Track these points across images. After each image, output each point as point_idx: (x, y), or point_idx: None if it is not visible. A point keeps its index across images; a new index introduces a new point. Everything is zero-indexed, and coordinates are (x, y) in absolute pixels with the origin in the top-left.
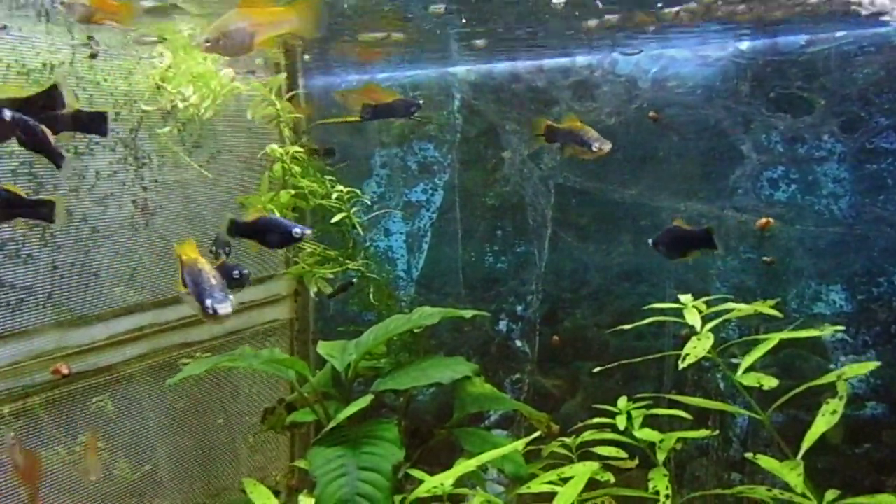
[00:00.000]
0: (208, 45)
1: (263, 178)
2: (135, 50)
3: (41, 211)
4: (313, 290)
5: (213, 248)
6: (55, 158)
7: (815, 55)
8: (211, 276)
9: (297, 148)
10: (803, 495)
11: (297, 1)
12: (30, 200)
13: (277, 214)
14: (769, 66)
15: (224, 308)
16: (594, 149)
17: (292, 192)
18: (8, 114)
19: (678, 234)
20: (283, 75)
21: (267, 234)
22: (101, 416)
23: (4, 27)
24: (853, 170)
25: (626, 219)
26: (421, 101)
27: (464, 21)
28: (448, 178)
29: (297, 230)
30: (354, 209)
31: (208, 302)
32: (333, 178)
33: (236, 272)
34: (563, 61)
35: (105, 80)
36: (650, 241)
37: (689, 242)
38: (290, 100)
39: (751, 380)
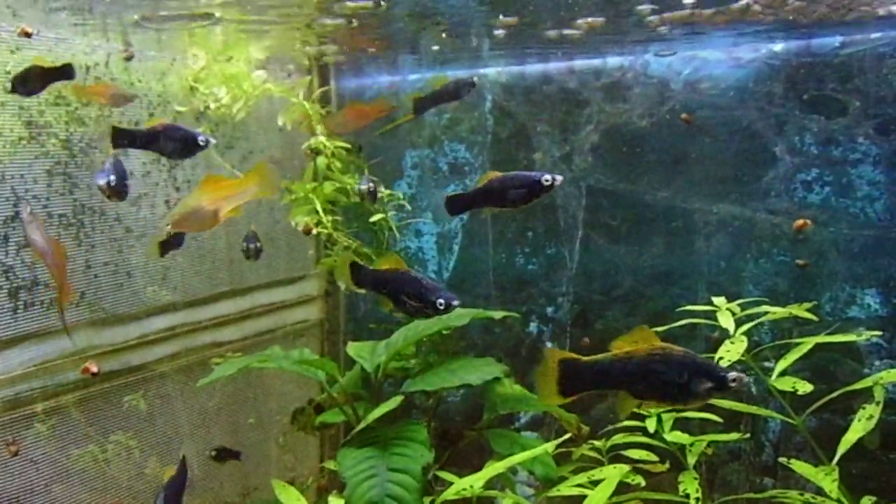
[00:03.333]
0: (170, 227)
1: (308, 168)
2: (168, 51)
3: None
4: (342, 284)
5: (245, 246)
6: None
7: (850, 57)
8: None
9: (340, 143)
10: (838, 501)
11: (252, 169)
12: None
13: (319, 206)
14: (803, 67)
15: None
16: None
17: (337, 184)
18: None
19: None
20: (309, 78)
21: None
22: (134, 415)
23: (38, 32)
24: (888, 172)
25: (657, 221)
26: (475, 79)
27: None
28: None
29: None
30: (391, 213)
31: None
32: (375, 179)
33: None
34: (594, 62)
35: (139, 81)
36: None
37: None
38: (318, 100)
39: (785, 384)
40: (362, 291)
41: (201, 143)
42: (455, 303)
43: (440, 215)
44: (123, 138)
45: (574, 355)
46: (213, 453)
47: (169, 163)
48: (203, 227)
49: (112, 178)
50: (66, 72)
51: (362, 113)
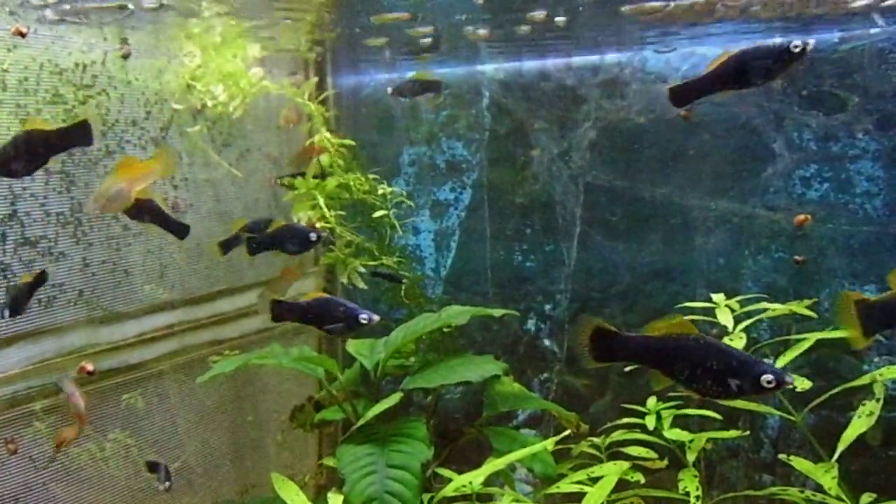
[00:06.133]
0: (97, 209)
1: (311, 165)
2: (166, 49)
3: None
4: (343, 279)
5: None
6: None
7: (849, 52)
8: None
9: (345, 141)
10: (838, 497)
11: (156, 153)
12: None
13: (322, 201)
14: (801, 63)
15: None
16: None
17: (343, 178)
18: None
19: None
20: (315, 79)
21: None
22: (132, 413)
23: (35, 31)
24: (888, 168)
25: (656, 217)
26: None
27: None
28: (476, 177)
29: None
30: (392, 211)
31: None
32: (377, 178)
33: None
34: (592, 59)
35: (136, 80)
36: None
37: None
38: (320, 100)
39: None
40: (362, 285)
41: (363, 321)
42: (788, 380)
43: (437, 213)
44: (284, 311)
45: (868, 297)
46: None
47: None
48: (121, 206)
49: None
50: None
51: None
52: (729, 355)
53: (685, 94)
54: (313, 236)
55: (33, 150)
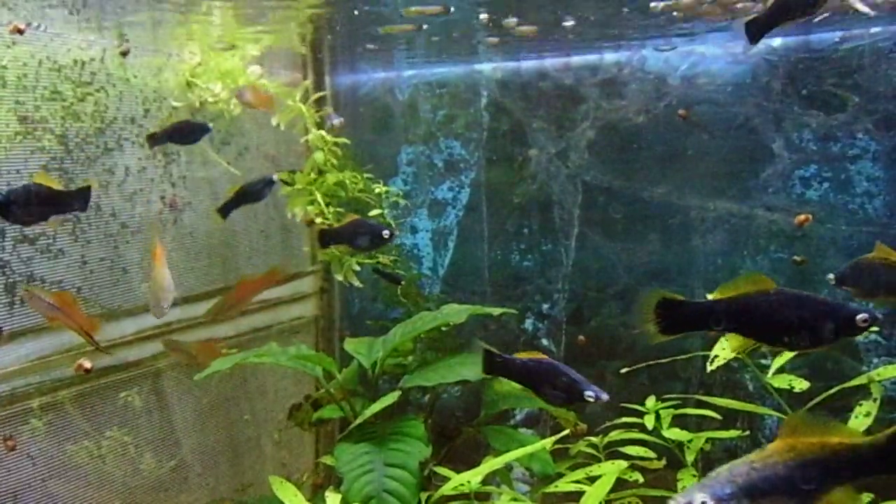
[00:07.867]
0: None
1: (309, 161)
2: (165, 46)
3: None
4: (340, 276)
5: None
6: None
7: (849, 52)
8: None
9: (340, 139)
10: None
11: None
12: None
13: (320, 198)
14: (801, 62)
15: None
16: None
17: (339, 176)
18: None
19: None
20: (309, 80)
21: None
22: (129, 411)
23: (38, 27)
24: (887, 168)
25: (654, 217)
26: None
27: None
28: (474, 176)
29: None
30: (389, 210)
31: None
32: (371, 176)
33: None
34: (591, 58)
35: (135, 77)
36: None
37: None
38: (317, 100)
39: (781, 381)
40: (357, 283)
41: (589, 399)
42: (878, 315)
43: (435, 212)
44: (498, 365)
45: None
46: None
47: (164, 159)
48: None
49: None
50: None
51: (250, 288)
52: (817, 302)
53: (759, 27)
54: (386, 234)
55: (34, 205)
